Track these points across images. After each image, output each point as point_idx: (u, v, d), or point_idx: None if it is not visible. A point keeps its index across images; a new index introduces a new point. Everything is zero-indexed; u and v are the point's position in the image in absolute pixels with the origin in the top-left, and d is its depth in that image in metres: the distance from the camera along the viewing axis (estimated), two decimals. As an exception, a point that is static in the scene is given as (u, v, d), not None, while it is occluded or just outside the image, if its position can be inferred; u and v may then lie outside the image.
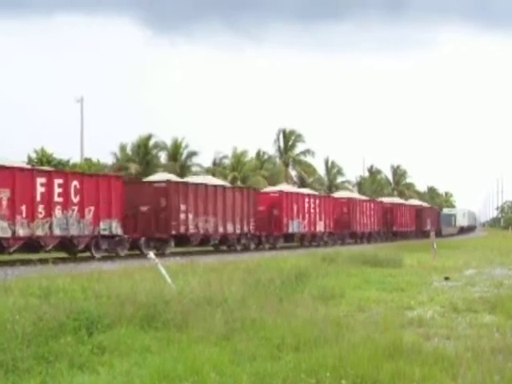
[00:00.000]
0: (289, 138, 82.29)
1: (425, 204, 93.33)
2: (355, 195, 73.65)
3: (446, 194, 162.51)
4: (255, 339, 11.12)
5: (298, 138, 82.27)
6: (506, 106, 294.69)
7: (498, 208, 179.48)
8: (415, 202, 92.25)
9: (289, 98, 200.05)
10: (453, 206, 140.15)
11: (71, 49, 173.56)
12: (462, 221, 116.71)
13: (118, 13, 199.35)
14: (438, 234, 75.11)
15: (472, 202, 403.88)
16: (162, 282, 15.95)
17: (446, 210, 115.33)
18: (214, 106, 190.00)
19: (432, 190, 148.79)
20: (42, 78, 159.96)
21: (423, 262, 32.07)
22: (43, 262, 23.45)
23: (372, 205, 67.73)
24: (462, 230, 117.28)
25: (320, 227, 54.35)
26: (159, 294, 14.04)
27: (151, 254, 17.69)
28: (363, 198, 71.61)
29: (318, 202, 54.45)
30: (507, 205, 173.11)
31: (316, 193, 60.49)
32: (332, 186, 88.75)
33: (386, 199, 78.00)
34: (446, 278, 23.33)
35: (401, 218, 75.70)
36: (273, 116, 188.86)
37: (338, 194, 68.29)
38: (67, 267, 21.93)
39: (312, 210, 52.83)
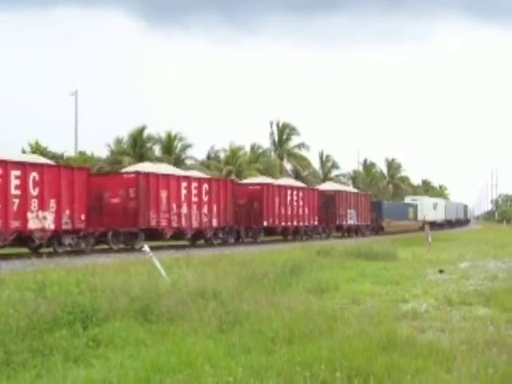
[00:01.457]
0: (283, 131, 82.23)
1: (344, 188, 70.24)
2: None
3: (441, 187, 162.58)
4: (249, 332, 11.13)
5: (293, 131, 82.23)
6: (501, 98, 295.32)
7: (492, 201, 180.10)
8: (327, 184, 70.44)
9: (284, 91, 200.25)
10: (447, 199, 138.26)
11: (66, 42, 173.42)
12: (430, 213, 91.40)
13: (113, 5, 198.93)
14: (375, 230, 68.93)
15: (467, 195, 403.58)
16: (156, 276, 15.96)
17: (408, 199, 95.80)
18: (209, 98, 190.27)
19: (426, 184, 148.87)
20: (37, 71, 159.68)
21: (418, 255, 32.14)
22: (38, 255, 23.46)
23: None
24: (436, 225, 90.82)
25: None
26: (154, 287, 14.06)
27: (146, 248, 17.68)
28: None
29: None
30: (501, 198, 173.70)
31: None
32: (326, 180, 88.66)
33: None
34: (441, 271, 23.37)
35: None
36: (268, 109, 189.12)
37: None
38: (62, 261, 21.91)
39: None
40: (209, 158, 74.68)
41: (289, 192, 49.98)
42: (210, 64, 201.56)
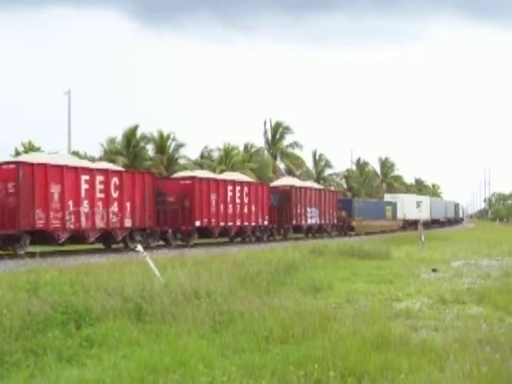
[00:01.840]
0: (277, 130, 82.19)
1: (304, 183, 61.24)
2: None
3: (434, 186, 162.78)
4: (243, 332, 11.14)
5: (286, 130, 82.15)
6: (494, 97, 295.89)
7: (485, 200, 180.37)
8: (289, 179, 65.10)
9: (277, 91, 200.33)
10: (440, 197, 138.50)
11: (59, 42, 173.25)
12: (413, 212, 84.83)
13: (106, 5, 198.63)
14: (343, 230, 62.02)
15: (460, 194, 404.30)
16: (150, 276, 15.94)
17: (388, 197, 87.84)
18: (202, 97, 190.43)
19: (419, 183, 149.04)
20: (29, 71, 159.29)
21: (411, 254, 32.22)
22: (31, 255, 23.40)
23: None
24: (427, 225, 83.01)
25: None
26: (147, 287, 14.05)
27: (139, 247, 17.66)
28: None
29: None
30: (495, 196, 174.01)
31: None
32: (320, 179, 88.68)
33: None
34: (434, 270, 23.40)
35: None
36: (261, 108, 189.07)
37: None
38: (55, 261, 21.86)
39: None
40: (202, 157, 74.59)
41: (230, 187, 44.03)
42: (203, 63, 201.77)
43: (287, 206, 51.24)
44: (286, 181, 59.78)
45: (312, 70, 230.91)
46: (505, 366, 8.61)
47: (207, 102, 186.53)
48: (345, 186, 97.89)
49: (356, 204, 67.90)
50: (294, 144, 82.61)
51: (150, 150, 67.66)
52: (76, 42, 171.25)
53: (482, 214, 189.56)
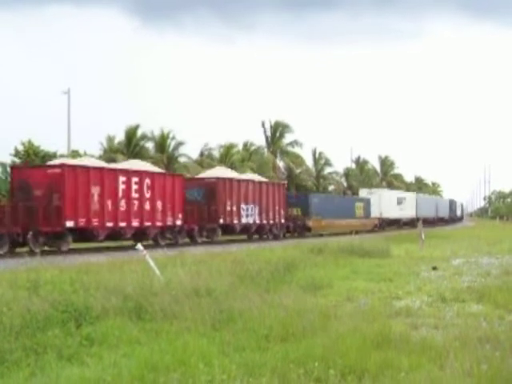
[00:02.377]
0: (276, 129, 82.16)
1: (237, 175, 51.16)
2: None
3: (433, 184, 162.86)
4: (243, 330, 11.15)
5: (286, 128, 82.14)
6: (495, 95, 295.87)
7: (485, 198, 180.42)
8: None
9: (277, 89, 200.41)
10: (440, 196, 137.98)
11: (59, 40, 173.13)
12: (393, 210, 75.91)
13: (106, 4, 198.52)
14: (296, 231, 53.71)
15: (460, 192, 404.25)
16: (150, 274, 15.95)
17: (363, 192, 77.89)
18: (202, 96, 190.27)
19: (419, 181, 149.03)
20: (29, 70, 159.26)
21: (411, 252, 32.25)
22: (31, 254, 23.42)
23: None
24: (404, 224, 79.81)
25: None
26: (147, 285, 14.06)
27: (139, 246, 17.66)
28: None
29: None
30: (495, 195, 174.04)
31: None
32: (320, 177, 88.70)
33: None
34: (434, 268, 23.40)
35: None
36: (261, 107, 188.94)
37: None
38: (55, 260, 21.87)
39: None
40: (202, 155, 74.60)
41: (122, 178, 34.92)
42: (203, 62, 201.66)
43: (213, 202, 42.45)
44: (215, 172, 49.31)
45: (312, 69, 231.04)
46: (505, 363, 8.62)
47: (207, 101, 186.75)
48: (345, 184, 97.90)
49: (314, 200, 58.24)
50: (294, 142, 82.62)
51: (150, 148, 67.72)
52: (76, 40, 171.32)
53: (481, 212, 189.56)
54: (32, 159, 50.87)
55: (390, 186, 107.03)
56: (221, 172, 48.52)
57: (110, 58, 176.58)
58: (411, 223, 79.56)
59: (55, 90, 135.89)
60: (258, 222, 47.34)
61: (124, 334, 10.92)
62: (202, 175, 48.95)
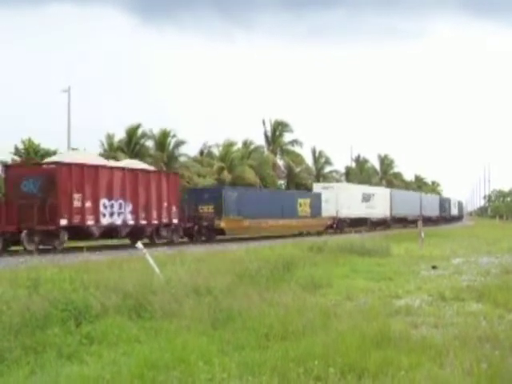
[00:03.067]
0: (276, 128, 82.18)
1: (101, 161, 39.05)
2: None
3: (433, 183, 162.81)
4: (243, 328, 11.14)
5: (286, 127, 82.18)
6: (494, 95, 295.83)
7: (485, 197, 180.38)
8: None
9: (277, 88, 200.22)
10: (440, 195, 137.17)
11: (59, 39, 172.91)
12: (356, 207, 64.39)
13: (106, 2, 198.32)
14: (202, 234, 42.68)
15: (460, 191, 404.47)
16: (150, 272, 15.94)
17: (317, 187, 64.62)
18: (202, 94, 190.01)
19: (419, 180, 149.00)
20: (30, 68, 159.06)
21: (410, 251, 32.25)
22: (30, 252, 23.43)
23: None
24: (373, 224, 68.11)
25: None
26: (147, 284, 14.05)
27: (139, 244, 17.66)
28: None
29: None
30: (494, 194, 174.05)
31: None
32: (320, 176, 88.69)
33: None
34: (434, 267, 23.42)
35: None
36: (261, 105, 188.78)
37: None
38: (55, 258, 21.87)
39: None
40: (202, 154, 74.61)
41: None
42: (202, 60, 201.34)
43: (51, 196, 31.25)
44: (68, 156, 37.93)
45: (312, 68, 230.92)
46: (505, 362, 8.62)
47: (207, 100, 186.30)
48: (345, 183, 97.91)
49: (229, 194, 45.89)
50: (294, 141, 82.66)
51: (151, 146, 67.71)
52: (76, 39, 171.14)
53: (481, 212, 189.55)
54: (32, 157, 50.85)
55: (390, 184, 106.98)
56: (87, 157, 37.61)
57: (110, 56, 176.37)
58: (383, 223, 71.37)
59: (55, 88, 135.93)
60: (131, 222, 35.95)
61: (124, 333, 10.91)
62: (45, 161, 37.94)
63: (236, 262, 20.22)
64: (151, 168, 41.87)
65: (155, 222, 37.69)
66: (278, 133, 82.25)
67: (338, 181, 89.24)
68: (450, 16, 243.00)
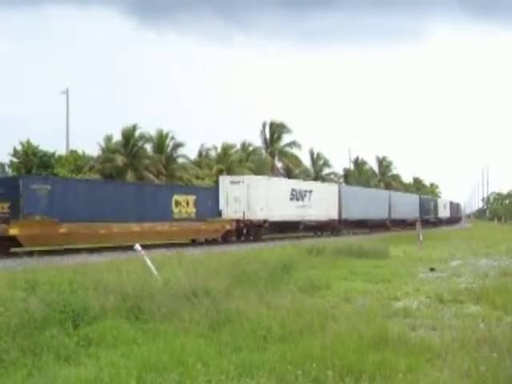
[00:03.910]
0: (275, 130, 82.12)
1: None
2: None
3: (432, 185, 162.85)
4: (241, 330, 11.13)
5: (284, 129, 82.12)
6: (494, 96, 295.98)
7: (483, 199, 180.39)
8: None
9: (276, 90, 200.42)
10: (438, 197, 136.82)
11: (57, 40, 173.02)
12: (279, 208, 48.19)
13: (105, 3, 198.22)
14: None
15: (459, 193, 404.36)
16: (148, 274, 15.94)
17: (224, 181, 47.24)
18: (200, 96, 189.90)
19: (417, 181, 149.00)
20: (28, 69, 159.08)
21: (409, 253, 32.26)
22: (29, 254, 23.40)
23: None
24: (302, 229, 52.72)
25: None
26: (145, 286, 14.04)
27: (137, 246, 17.65)
28: None
29: None
30: (493, 196, 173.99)
31: None
32: (318, 178, 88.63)
33: None
34: (432, 269, 23.42)
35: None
36: (259, 107, 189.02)
37: None
38: (53, 260, 21.86)
39: None
40: (200, 156, 74.56)
41: None
42: (201, 62, 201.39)
43: None
44: None
45: (311, 69, 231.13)
46: (503, 365, 8.61)
47: (205, 101, 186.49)
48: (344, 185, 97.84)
49: (34, 188, 30.53)
50: (292, 143, 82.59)
51: (149, 148, 67.61)
52: (75, 40, 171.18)
53: (480, 214, 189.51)
54: (30, 159, 50.86)
55: (388, 186, 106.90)
56: None
57: (109, 57, 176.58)
58: (328, 227, 57.55)
59: (54, 89, 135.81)
60: None
61: (122, 335, 10.90)
62: None
63: (235, 263, 20.20)
64: None
65: None
66: (276, 135, 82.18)
67: (336, 183, 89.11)
68: (448, 17, 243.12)
